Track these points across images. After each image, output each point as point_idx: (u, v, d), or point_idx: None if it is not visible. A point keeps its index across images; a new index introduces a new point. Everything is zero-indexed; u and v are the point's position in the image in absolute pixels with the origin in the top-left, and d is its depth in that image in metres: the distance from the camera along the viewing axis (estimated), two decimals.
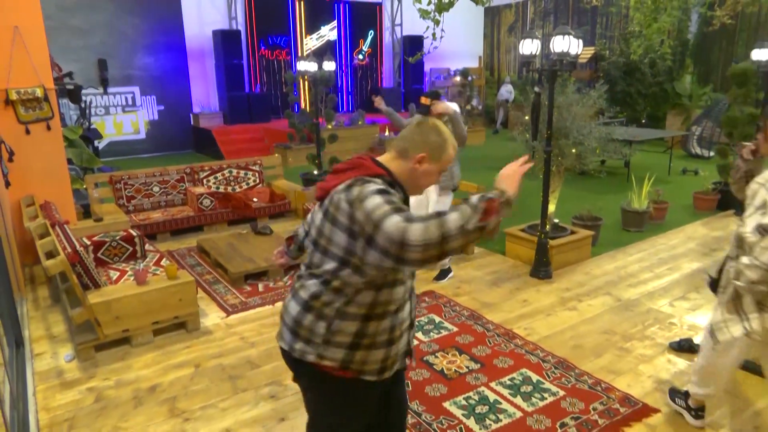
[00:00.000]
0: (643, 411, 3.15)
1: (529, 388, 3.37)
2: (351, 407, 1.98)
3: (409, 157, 1.88)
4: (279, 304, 4.67)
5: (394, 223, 1.57)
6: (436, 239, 1.52)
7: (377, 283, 1.79)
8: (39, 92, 5.17)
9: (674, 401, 3.16)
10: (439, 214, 1.58)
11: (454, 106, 4.74)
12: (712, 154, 10.95)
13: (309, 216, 2.08)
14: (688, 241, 6.22)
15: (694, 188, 7.78)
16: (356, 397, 1.96)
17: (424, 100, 4.78)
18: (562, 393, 3.33)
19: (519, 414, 3.12)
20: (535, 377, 3.50)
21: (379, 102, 5.57)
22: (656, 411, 3.15)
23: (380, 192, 1.70)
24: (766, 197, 2.47)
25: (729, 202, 7.37)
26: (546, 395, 3.30)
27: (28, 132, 5.21)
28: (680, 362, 3.68)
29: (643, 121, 13.71)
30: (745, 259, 2.46)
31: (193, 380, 3.55)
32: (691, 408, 3.04)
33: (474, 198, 1.59)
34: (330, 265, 1.79)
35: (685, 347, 3.80)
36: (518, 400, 3.25)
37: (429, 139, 1.89)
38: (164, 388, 3.47)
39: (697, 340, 3.90)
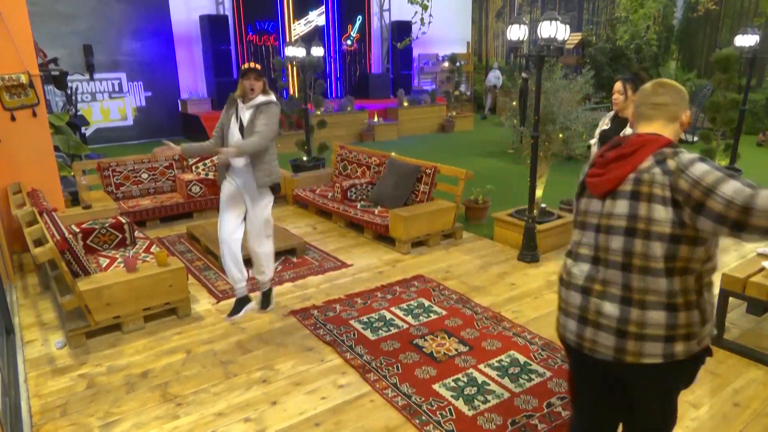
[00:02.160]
0: None
1: (517, 370, 3.44)
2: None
3: (678, 118, 1.90)
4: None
5: (733, 187, 1.58)
6: None
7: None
8: (24, 78, 5.12)
9: None
10: None
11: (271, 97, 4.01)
12: (696, 138, 11.06)
13: (583, 223, 1.96)
14: None
15: None
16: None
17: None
18: (548, 374, 3.40)
19: (507, 395, 3.19)
20: (522, 359, 3.57)
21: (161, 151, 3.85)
22: None
23: (702, 159, 1.71)
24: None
25: None
26: (533, 376, 3.37)
27: (13, 119, 5.17)
28: None
29: None
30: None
31: (185, 366, 3.58)
32: None
33: None
34: (659, 249, 1.73)
35: None
36: (506, 382, 3.32)
37: (683, 94, 1.92)
38: (156, 373, 3.50)
39: None
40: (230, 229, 3.97)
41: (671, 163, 1.71)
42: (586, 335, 1.91)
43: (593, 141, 4.06)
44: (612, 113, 3.79)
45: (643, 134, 1.85)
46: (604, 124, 3.85)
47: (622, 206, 1.79)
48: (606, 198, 1.85)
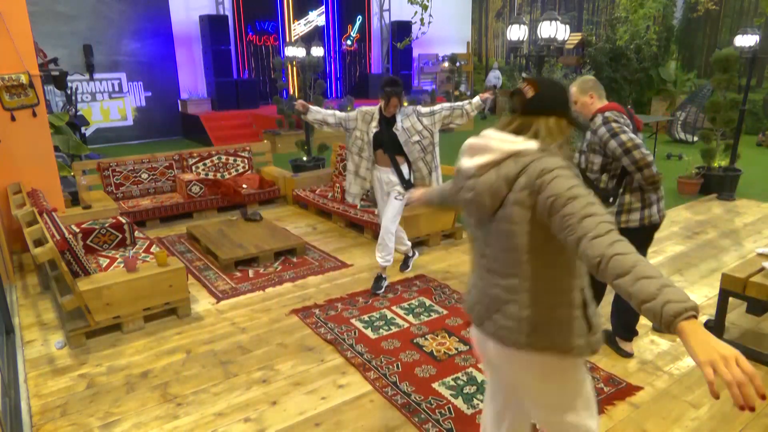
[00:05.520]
0: (626, 390, 3.23)
1: None
2: None
3: None
4: (270, 290, 4.72)
5: None
6: None
7: None
8: (24, 78, 5.12)
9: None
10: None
11: None
12: (695, 139, 11.07)
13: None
14: (671, 224, 6.32)
15: (678, 173, 7.87)
16: None
17: None
18: None
19: None
20: None
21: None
22: (639, 389, 3.23)
23: None
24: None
25: (712, 186, 7.47)
26: None
27: (13, 119, 5.17)
28: (663, 343, 3.76)
29: (629, 106, 13.79)
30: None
31: (185, 366, 3.58)
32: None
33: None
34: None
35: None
36: None
37: None
38: (156, 373, 3.50)
39: None
40: None
41: None
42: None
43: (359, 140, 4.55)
44: (378, 116, 4.36)
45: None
46: (372, 127, 4.37)
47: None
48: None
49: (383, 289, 4.62)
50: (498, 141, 1.75)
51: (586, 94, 3.47)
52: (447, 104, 4.49)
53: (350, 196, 4.75)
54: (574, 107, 3.74)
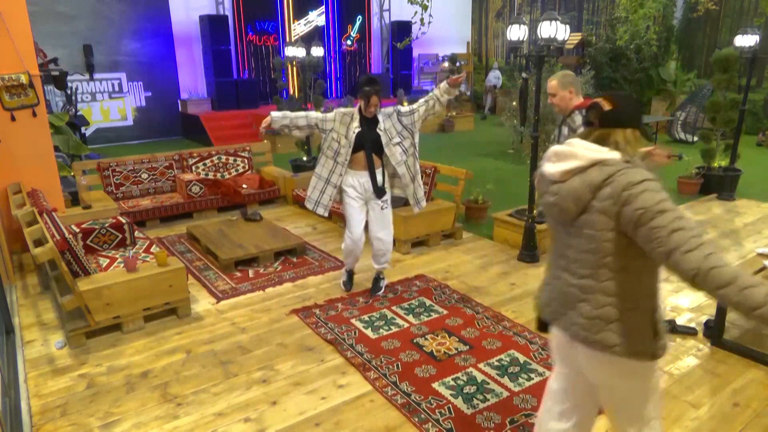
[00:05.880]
0: None
1: (517, 369, 3.44)
2: None
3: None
4: (270, 290, 4.72)
5: None
6: None
7: None
8: (24, 78, 5.12)
9: None
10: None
11: None
12: (695, 138, 11.07)
13: None
14: None
15: (678, 173, 7.86)
16: None
17: None
18: (548, 373, 3.39)
19: (506, 394, 3.19)
20: (522, 358, 3.57)
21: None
22: None
23: None
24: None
25: (712, 186, 7.47)
26: (533, 375, 3.37)
27: (13, 119, 5.17)
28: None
29: None
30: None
31: (185, 366, 3.58)
32: None
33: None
34: None
35: (667, 328, 3.89)
36: (505, 381, 3.32)
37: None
38: (156, 373, 3.50)
39: (679, 321, 4.00)
40: None
41: None
42: None
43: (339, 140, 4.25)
44: (359, 116, 4.14)
45: None
46: (353, 128, 4.13)
47: None
48: None
49: (383, 290, 4.61)
50: (583, 149, 1.84)
51: (566, 89, 3.58)
52: (422, 99, 4.25)
53: (320, 207, 4.38)
54: (552, 99, 3.88)
